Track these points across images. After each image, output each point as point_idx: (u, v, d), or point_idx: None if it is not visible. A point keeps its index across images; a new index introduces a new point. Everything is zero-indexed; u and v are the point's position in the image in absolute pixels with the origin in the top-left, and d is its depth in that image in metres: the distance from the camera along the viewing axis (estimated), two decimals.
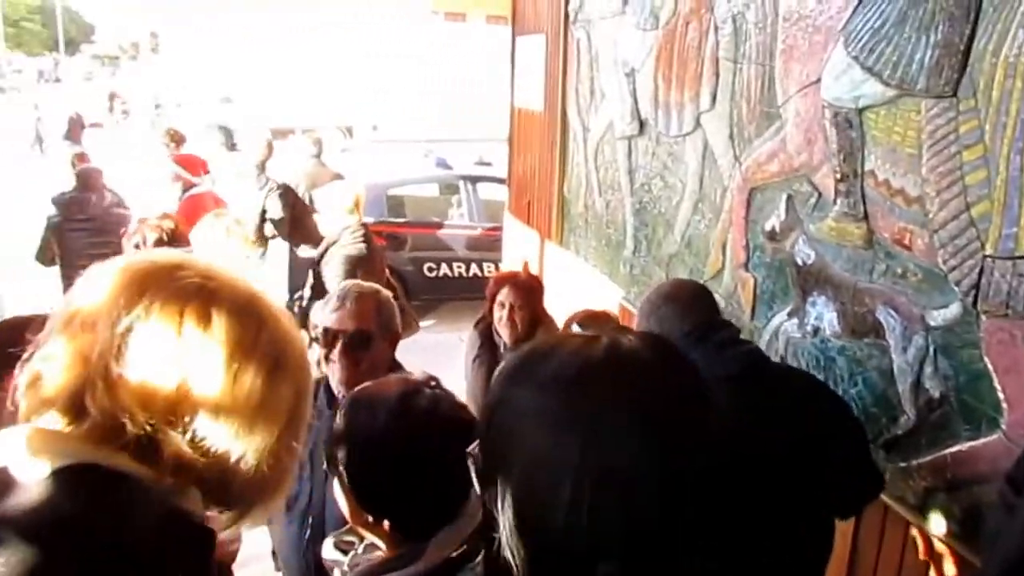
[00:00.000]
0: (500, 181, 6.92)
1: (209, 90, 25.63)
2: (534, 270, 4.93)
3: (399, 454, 1.26)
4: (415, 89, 23.85)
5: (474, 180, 8.29)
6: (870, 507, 2.19)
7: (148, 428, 0.80)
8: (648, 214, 3.77)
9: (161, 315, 0.82)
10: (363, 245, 4.51)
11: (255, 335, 0.85)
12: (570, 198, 4.77)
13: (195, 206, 5.51)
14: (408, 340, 7.33)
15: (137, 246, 3.21)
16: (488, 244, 7.67)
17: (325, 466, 2.06)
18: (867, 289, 2.33)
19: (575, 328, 2.97)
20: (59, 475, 0.77)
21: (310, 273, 4.97)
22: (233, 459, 0.84)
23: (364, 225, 4.69)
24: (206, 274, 0.87)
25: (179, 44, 29.05)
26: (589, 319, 3.07)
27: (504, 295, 3.50)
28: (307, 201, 6.26)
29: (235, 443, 0.83)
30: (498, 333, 3.57)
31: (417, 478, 1.23)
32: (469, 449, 0.87)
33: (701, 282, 2.61)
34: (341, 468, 1.34)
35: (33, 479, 0.77)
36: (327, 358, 2.15)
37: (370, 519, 1.31)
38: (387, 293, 2.34)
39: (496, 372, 0.88)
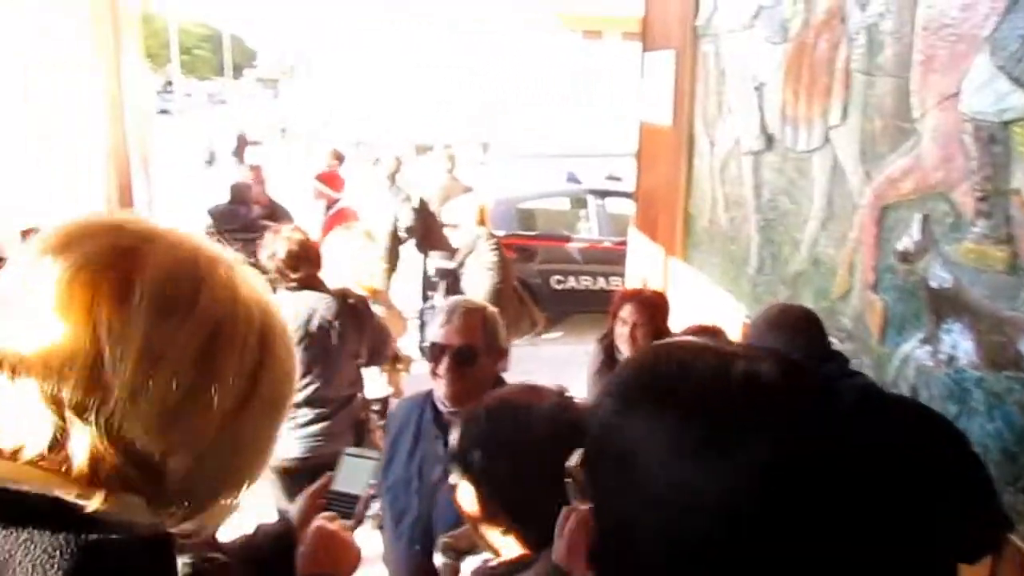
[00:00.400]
0: (628, 195, 6.84)
1: (353, 108, 26.74)
2: (657, 286, 4.83)
3: (554, 463, 1.24)
4: (551, 105, 24.04)
5: (603, 194, 8.24)
6: (1010, 550, 1.99)
7: (55, 417, 0.66)
8: (774, 231, 3.61)
9: (73, 282, 0.68)
10: (497, 254, 4.60)
11: (187, 306, 0.71)
12: (695, 214, 4.64)
13: (337, 221, 5.73)
14: (533, 350, 7.39)
15: (270, 257, 3.32)
16: (615, 258, 7.59)
17: (435, 479, 2.09)
18: (1010, 318, 2.12)
19: None
20: None
21: (442, 282, 5.10)
22: (159, 455, 0.69)
23: (494, 236, 4.78)
24: (145, 236, 0.73)
25: (328, 66, 30.46)
26: (701, 334, 2.97)
27: (627, 312, 3.44)
28: (439, 214, 6.42)
29: (162, 436, 0.69)
30: (619, 349, 3.51)
31: (563, 487, 1.22)
32: (569, 465, 0.81)
33: (813, 307, 2.47)
34: (476, 476, 1.33)
35: None
36: (434, 373, 2.17)
37: (502, 526, 1.30)
38: (493, 310, 2.34)
39: (606, 386, 0.80)
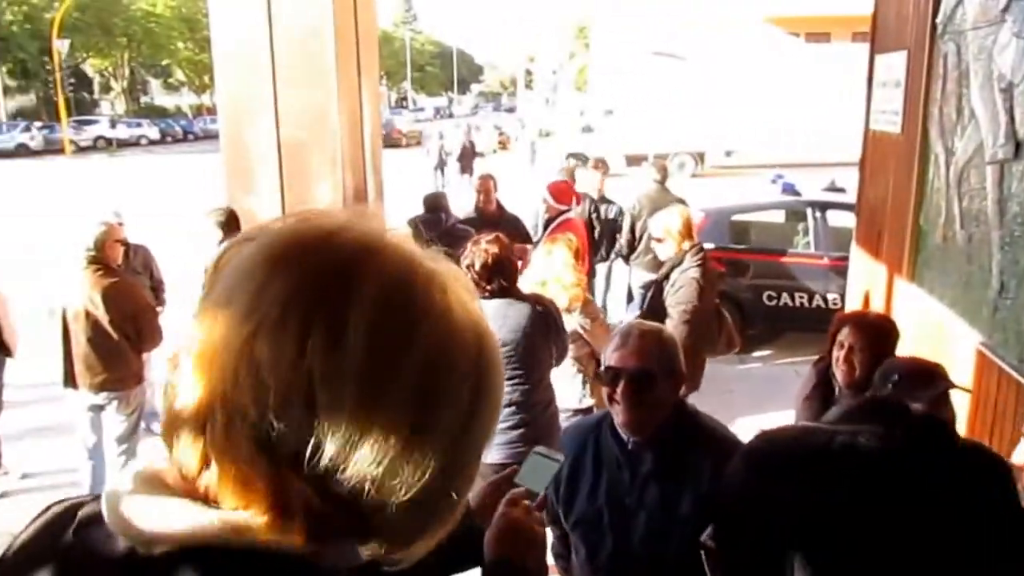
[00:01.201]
0: (850, 208, 6.38)
1: (574, 120, 27.10)
2: (879, 306, 4.45)
3: None
4: (770, 113, 23.05)
5: (823, 207, 7.74)
6: None
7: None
8: (1020, 250, 3.19)
9: (291, 313, 0.63)
10: (700, 270, 4.47)
11: (403, 345, 0.65)
12: (926, 229, 4.22)
13: (559, 232, 5.77)
14: (742, 368, 7.07)
15: (468, 267, 3.43)
16: (834, 275, 7.11)
17: (628, 511, 2.01)
18: None
19: (894, 378, 2.57)
20: (185, 559, 0.63)
21: (646, 294, 5.00)
22: (371, 505, 0.65)
23: (702, 249, 4.64)
24: (360, 249, 0.67)
25: (547, 80, 31.09)
26: (916, 375, 2.64)
27: (844, 335, 3.17)
28: (646, 225, 6.32)
29: (376, 487, 0.64)
30: (834, 375, 3.25)
31: None
32: (703, 539, 0.76)
33: None
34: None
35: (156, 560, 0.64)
36: (611, 398, 2.10)
37: None
38: (670, 333, 2.24)
39: (742, 454, 0.77)
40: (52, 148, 35.73)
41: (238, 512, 0.63)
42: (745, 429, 1.35)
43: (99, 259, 4.36)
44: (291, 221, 0.71)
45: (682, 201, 6.68)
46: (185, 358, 0.66)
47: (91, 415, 4.56)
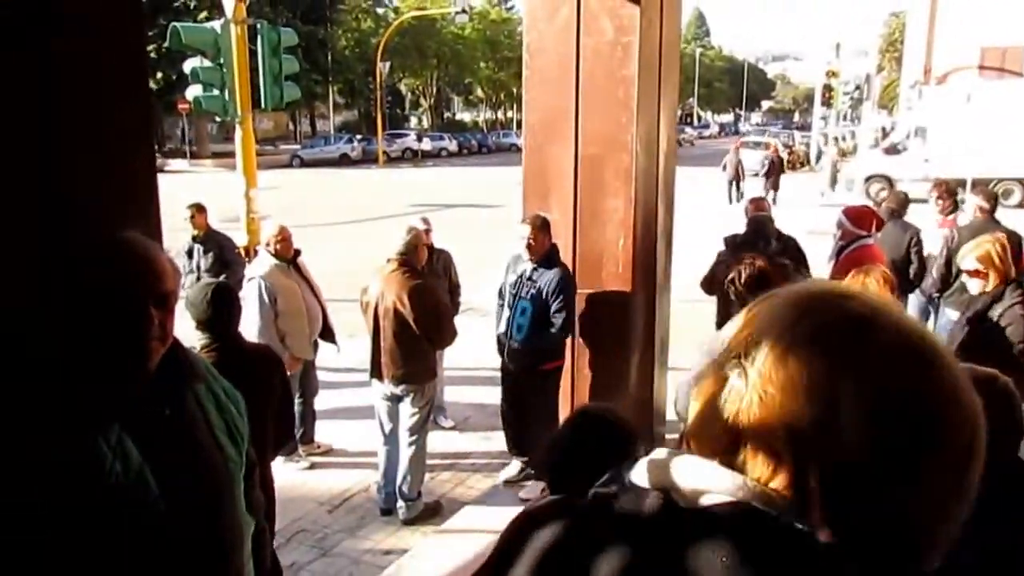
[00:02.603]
0: None
1: (875, 140, 25.17)
2: None
3: None
4: None
5: None
6: None
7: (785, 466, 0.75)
8: None
9: (802, 344, 0.75)
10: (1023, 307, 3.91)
11: (918, 382, 0.73)
12: None
13: (853, 259, 5.35)
14: None
15: (730, 281, 3.38)
16: None
17: None
18: None
19: None
20: (722, 512, 0.76)
21: (960, 332, 4.47)
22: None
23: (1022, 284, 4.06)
24: (871, 309, 0.77)
25: (847, 96, 29.20)
26: None
27: None
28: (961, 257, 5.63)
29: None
30: None
31: None
32: None
33: None
34: None
35: (696, 512, 0.78)
36: None
37: None
38: (1005, 380, 1.95)
39: None
40: (368, 158, 39.84)
41: (766, 485, 0.76)
42: None
43: (407, 261, 4.71)
44: (808, 284, 0.85)
45: (1015, 235, 5.86)
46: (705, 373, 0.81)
47: (388, 404, 4.93)
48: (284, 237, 5.49)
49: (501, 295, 5.19)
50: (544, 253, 4.80)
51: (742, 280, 3.45)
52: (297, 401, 5.52)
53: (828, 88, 28.46)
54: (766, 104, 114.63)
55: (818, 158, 32.01)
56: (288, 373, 5.39)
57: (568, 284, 4.74)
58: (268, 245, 5.50)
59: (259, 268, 5.48)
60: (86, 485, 1.40)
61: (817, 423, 0.72)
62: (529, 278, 4.86)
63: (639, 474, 0.84)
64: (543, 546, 0.83)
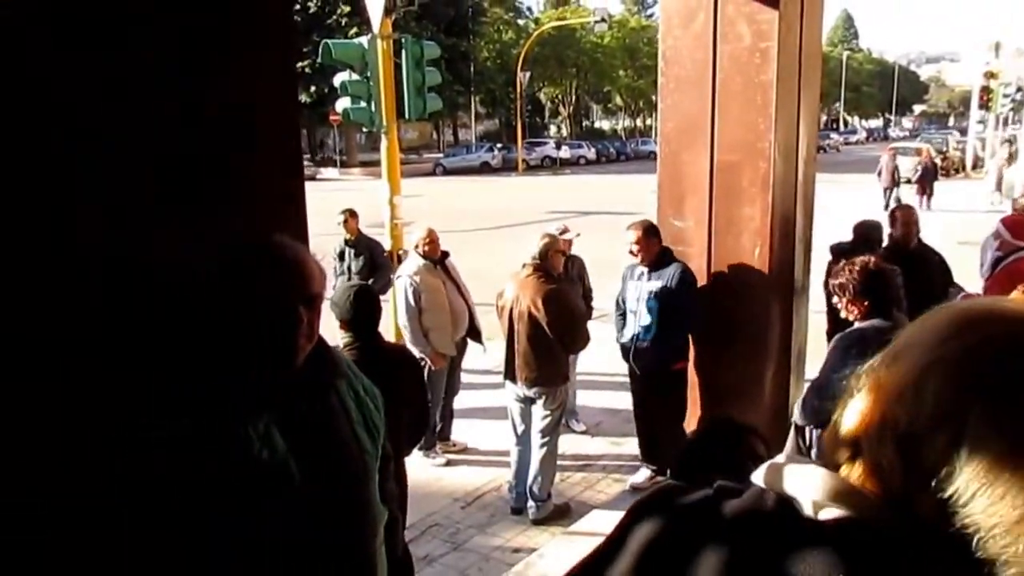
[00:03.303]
0: None
1: None
2: None
3: None
4: None
5: None
6: None
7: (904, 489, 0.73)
8: None
9: (967, 361, 0.72)
10: None
11: None
12: None
13: (1011, 272, 4.96)
14: None
15: (840, 287, 3.45)
16: None
17: None
18: None
19: None
20: (835, 526, 0.75)
21: None
22: (975, 546, 0.69)
23: None
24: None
25: (1008, 99, 27.11)
26: None
27: None
28: None
29: (987, 534, 0.68)
30: None
31: None
32: None
33: None
34: None
35: (810, 521, 0.77)
36: None
37: None
38: None
39: None
40: (508, 166, 40.45)
41: (877, 498, 0.75)
42: None
43: (542, 267, 4.75)
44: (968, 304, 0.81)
45: None
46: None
47: (521, 406, 4.98)
48: (432, 239, 5.71)
49: (619, 306, 5.16)
50: (655, 255, 4.76)
51: (855, 274, 3.38)
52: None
53: (987, 90, 26.51)
54: (918, 108, 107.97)
55: (974, 164, 29.85)
56: (433, 369, 5.64)
57: (689, 280, 4.67)
58: (417, 247, 5.73)
59: (407, 267, 5.74)
60: (234, 468, 1.49)
61: (939, 441, 0.70)
62: (648, 280, 4.81)
63: (758, 475, 0.84)
64: (648, 536, 0.84)
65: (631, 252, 4.83)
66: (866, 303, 3.43)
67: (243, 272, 1.54)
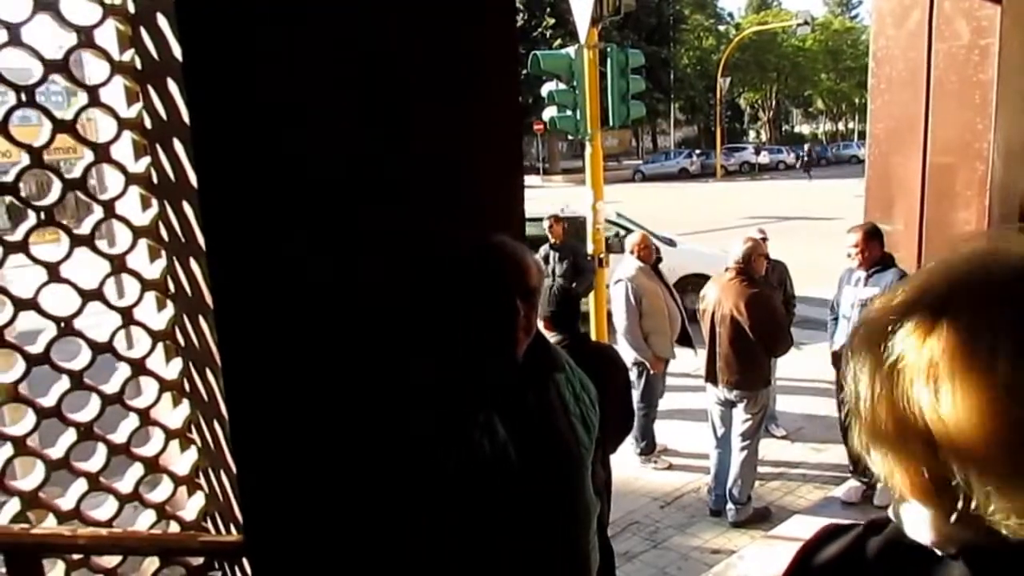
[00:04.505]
0: None
1: None
2: None
3: None
4: None
5: None
6: None
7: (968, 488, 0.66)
8: None
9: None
10: None
11: None
12: None
13: None
14: None
15: None
16: None
17: None
18: None
19: None
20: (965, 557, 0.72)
21: None
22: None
23: None
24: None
25: None
26: None
27: None
28: None
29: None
30: None
31: None
32: None
33: None
34: None
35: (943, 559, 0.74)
36: None
37: None
38: None
39: None
40: (706, 172, 39.45)
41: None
42: None
43: (745, 271, 4.67)
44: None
45: None
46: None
47: (722, 409, 4.91)
48: (646, 244, 5.73)
49: (833, 309, 4.93)
50: (877, 259, 4.48)
51: None
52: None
53: None
54: None
55: None
56: (652, 372, 5.67)
57: None
58: (632, 251, 5.73)
59: (625, 271, 5.70)
60: (458, 454, 1.57)
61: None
62: (866, 285, 4.55)
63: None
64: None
65: (849, 255, 4.59)
66: None
67: (467, 267, 1.62)
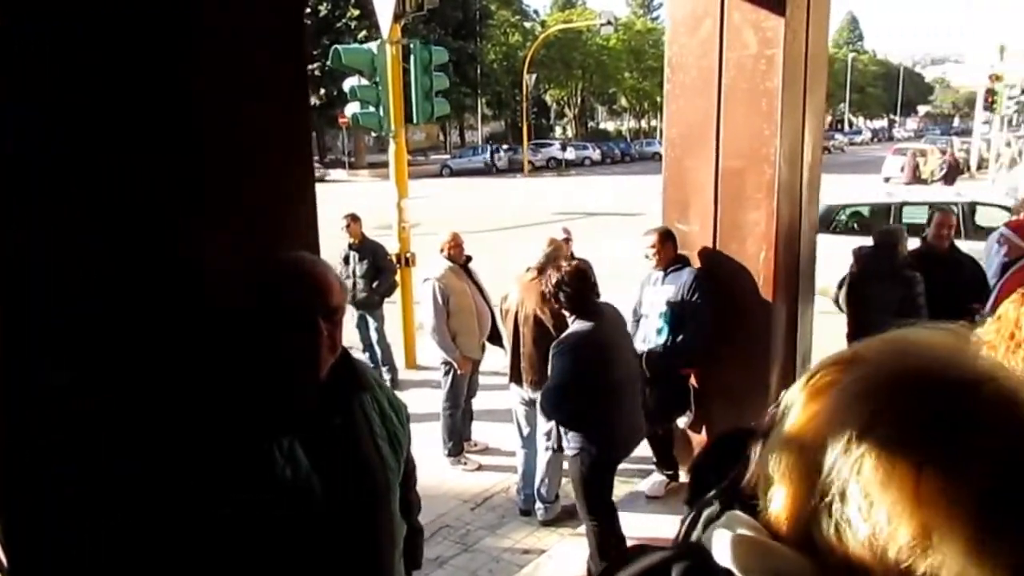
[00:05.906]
0: None
1: None
2: None
3: None
4: None
5: None
6: None
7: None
8: None
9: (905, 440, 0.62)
10: None
11: None
12: None
13: (1021, 278, 4.94)
14: None
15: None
16: None
17: None
18: None
19: None
20: None
21: None
22: None
23: None
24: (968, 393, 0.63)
25: (1012, 101, 27.00)
26: None
27: None
28: None
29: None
30: None
31: None
32: None
33: None
34: None
35: None
36: None
37: None
38: None
39: None
40: (514, 167, 40.43)
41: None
42: None
43: (546, 269, 4.75)
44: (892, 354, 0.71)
45: None
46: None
47: (526, 408, 4.99)
48: (457, 243, 5.75)
49: (635, 313, 5.08)
50: (672, 260, 4.74)
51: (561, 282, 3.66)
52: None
53: (991, 92, 26.39)
54: (923, 109, 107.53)
55: (979, 165, 29.74)
56: (459, 373, 5.64)
57: (703, 284, 4.64)
58: (442, 250, 5.72)
59: (434, 271, 5.70)
60: (258, 486, 1.49)
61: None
62: (663, 284, 4.79)
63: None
64: None
65: (647, 256, 4.80)
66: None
67: (264, 287, 1.54)
